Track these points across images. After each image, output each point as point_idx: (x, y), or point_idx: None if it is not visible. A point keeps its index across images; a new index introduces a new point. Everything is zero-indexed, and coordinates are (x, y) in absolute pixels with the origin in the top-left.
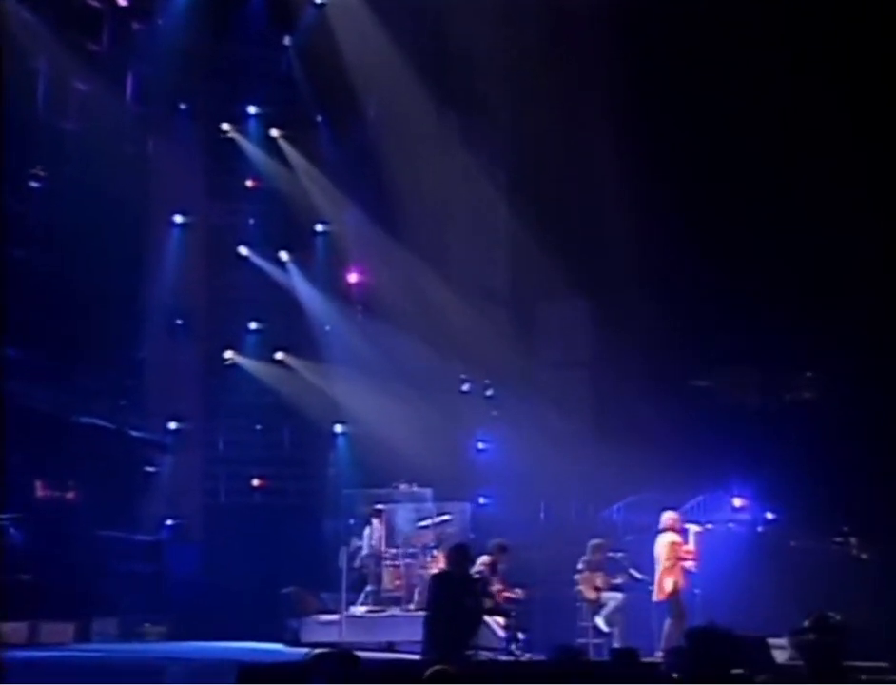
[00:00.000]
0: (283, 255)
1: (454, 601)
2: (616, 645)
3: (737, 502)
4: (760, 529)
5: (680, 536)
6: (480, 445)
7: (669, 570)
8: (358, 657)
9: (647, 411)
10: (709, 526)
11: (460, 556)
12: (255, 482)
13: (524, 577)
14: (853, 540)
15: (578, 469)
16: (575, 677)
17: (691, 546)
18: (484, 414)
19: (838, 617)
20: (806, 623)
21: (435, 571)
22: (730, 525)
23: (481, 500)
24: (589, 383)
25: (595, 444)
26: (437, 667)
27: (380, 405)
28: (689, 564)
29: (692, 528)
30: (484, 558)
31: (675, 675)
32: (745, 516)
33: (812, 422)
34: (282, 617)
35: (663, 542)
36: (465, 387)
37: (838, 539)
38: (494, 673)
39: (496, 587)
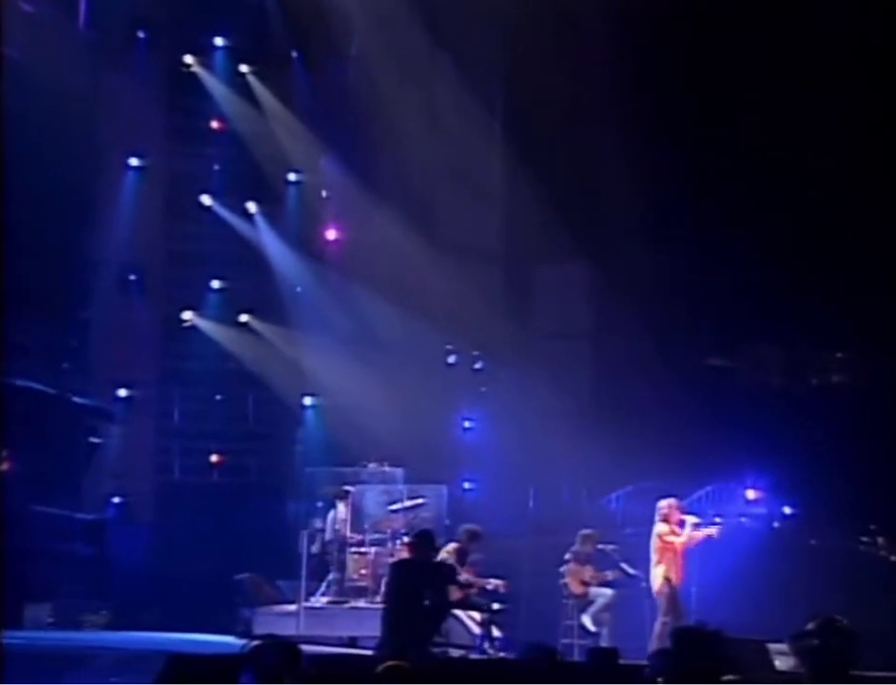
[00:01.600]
0: (251, 206)
1: (413, 593)
2: (604, 645)
3: (751, 495)
4: (776, 525)
5: (674, 526)
6: (466, 424)
7: (657, 564)
8: (300, 650)
9: (653, 390)
10: (717, 520)
11: (422, 543)
12: (213, 459)
13: (508, 569)
14: (881, 541)
15: (574, 453)
16: (546, 678)
17: (682, 537)
18: (472, 389)
19: (845, 621)
20: (810, 626)
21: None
22: (743, 520)
23: (466, 485)
24: (589, 357)
25: (594, 425)
26: (391, 663)
27: (355, 377)
28: (677, 548)
29: (690, 520)
30: (451, 546)
31: (659, 680)
32: (759, 510)
33: (841, 409)
34: (234, 607)
35: (654, 533)
36: (451, 359)
37: (864, 539)
38: (454, 671)
39: (464, 577)
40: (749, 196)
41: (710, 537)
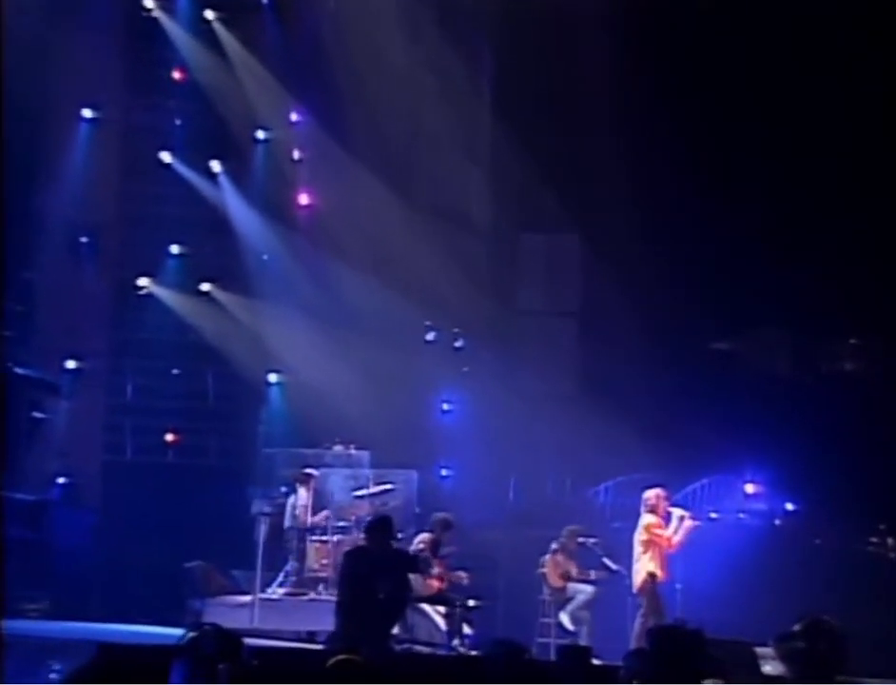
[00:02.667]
0: (215, 165)
1: (368, 583)
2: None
3: (750, 489)
4: (777, 522)
5: (660, 518)
6: (445, 406)
7: (641, 558)
8: (241, 641)
9: (646, 375)
10: (713, 515)
11: (379, 529)
12: (168, 438)
13: (485, 563)
14: (891, 542)
15: (560, 440)
16: (512, 677)
17: (668, 532)
18: (451, 369)
19: (833, 622)
20: (796, 627)
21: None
22: (741, 516)
23: (443, 472)
24: (578, 337)
25: (582, 411)
26: (342, 657)
27: (325, 354)
28: (662, 542)
29: (677, 512)
30: (423, 536)
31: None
32: (759, 505)
33: (851, 399)
34: (183, 598)
35: (639, 526)
36: (430, 336)
37: (873, 540)
38: (412, 667)
39: (437, 570)
40: (757, 165)
41: (696, 527)
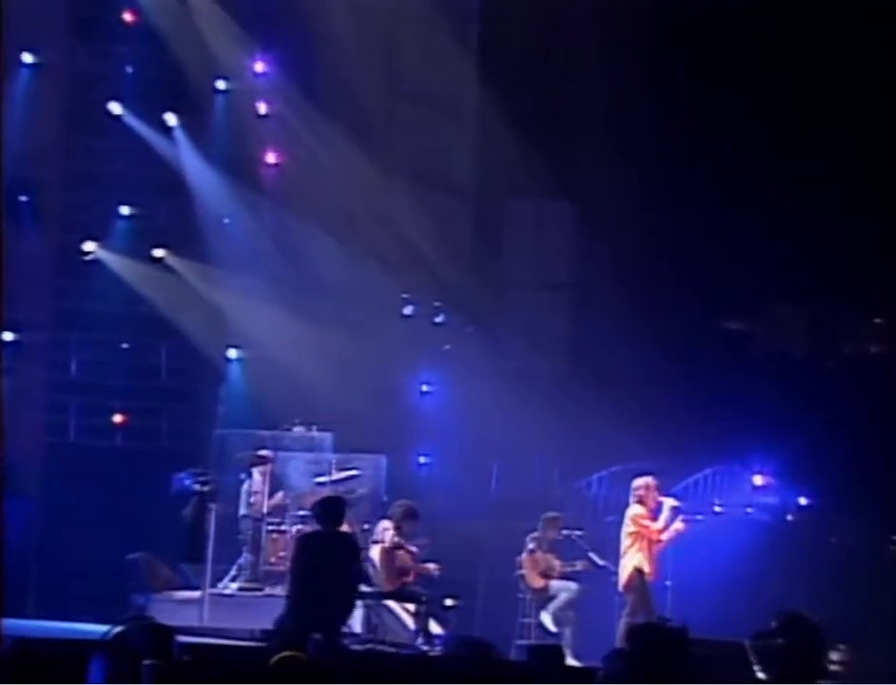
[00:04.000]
0: (170, 118)
1: (315, 573)
2: (566, 649)
3: (758, 481)
4: (790, 518)
5: (649, 509)
6: (424, 387)
7: (628, 552)
8: (172, 636)
9: (647, 354)
10: (718, 509)
11: (329, 511)
12: (117, 418)
13: (464, 558)
14: None
15: (549, 424)
16: (476, 678)
17: (658, 524)
18: (431, 346)
19: (813, 619)
20: (773, 624)
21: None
22: (748, 510)
23: (421, 460)
24: (570, 312)
25: (574, 394)
26: (286, 653)
27: (290, 328)
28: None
29: (668, 502)
30: (385, 524)
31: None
32: (769, 499)
33: (874, 384)
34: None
35: (626, 517)
36: (408, 310)
37: (895, 538)
38: (365, 665)
39: (399, 563)
40: (774, 120)
41: (687, 520)
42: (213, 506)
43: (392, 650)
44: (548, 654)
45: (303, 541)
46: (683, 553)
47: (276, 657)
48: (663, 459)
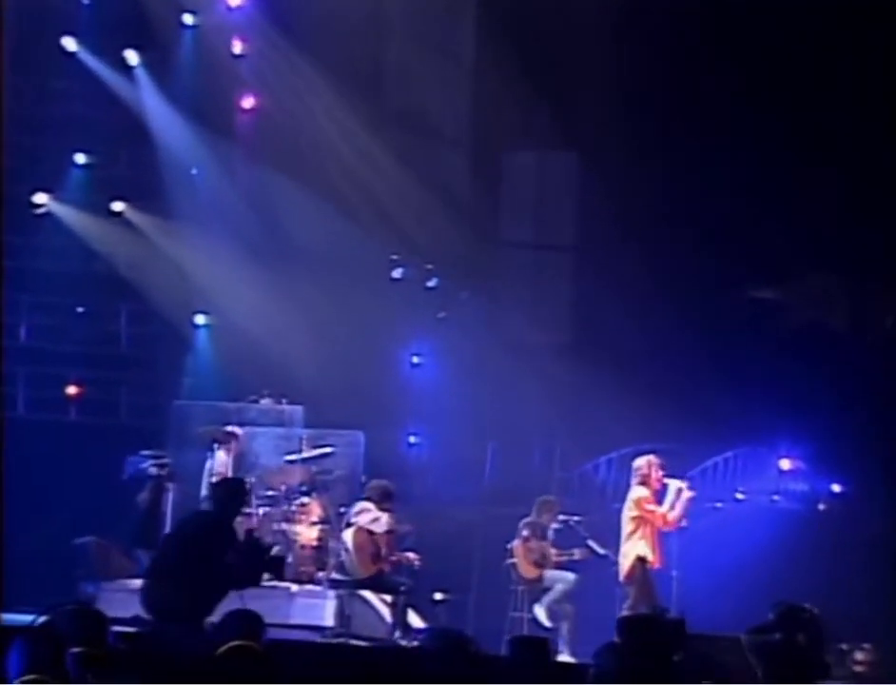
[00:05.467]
0: (131, 56)
1: (183, 554)
2: (563, 646)
3: (786, 465)
4: (821, 507)
5: (651, 491)
6: (415, 359)
7: (630, 538)
8: (104, 624)
9: (660, 323)
10: (740, 495)
11: (226, 493)
12: (70, 390)
13: (455, 547)
14: None
15: (551, 400)
16: (448, 673)
17: (664, 507)
18: (422, 313)
19: (815, 612)
20: (770, 617)
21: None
22: (775, 498)
23: (411, 439)
24: (574, 276)
25: (580, 366)
26: (236, 643)
27: (265, 292)
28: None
29: (674, 484)
30: (366, 505)
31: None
32: (798, 485)
33: None
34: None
35: (628, 500)
36: (397, 273)
37: None
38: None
39: (375, 548)
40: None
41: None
42: (170, 486)
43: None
44: (533, 647)
45: (180, 522)
46: (697, 542)
47: (224, 647)
48: (678, 440)
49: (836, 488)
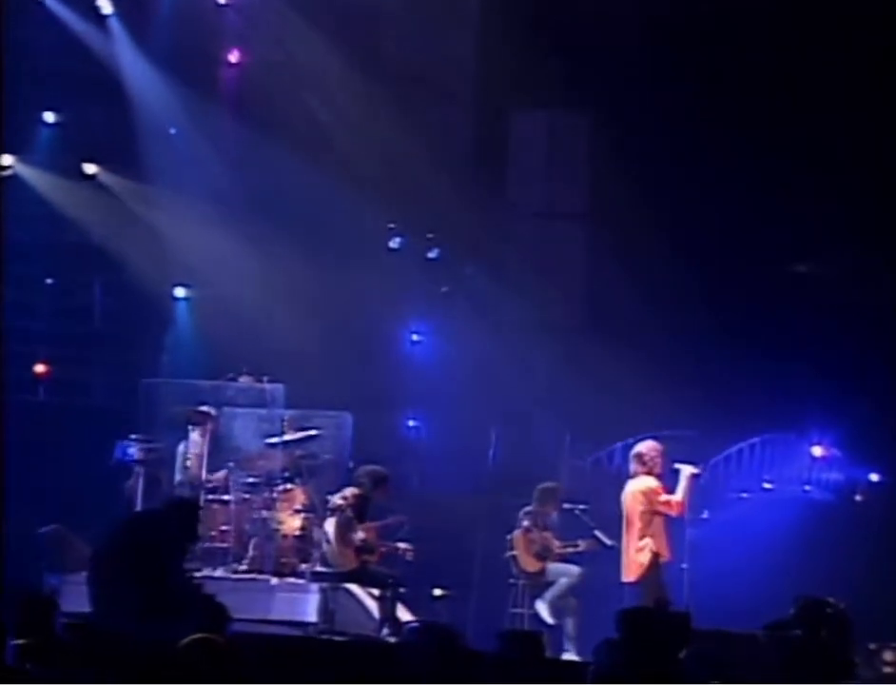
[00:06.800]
0: (104, 4)
1: (123, 553)
2: (568, 644)
3: (818, 452)
4: (858, 498)
5: (659, 480)
6: (415, 337)
7: (644, 535)
8: (53, 614)
9: (681, 300)
10: (767, 485)
11: (175, 514)
12: (39, 369)
13: (455, 539)
14: None
15: (561, 383)
16: (432, 669)
17: (677, 496)
18: (423, 287)
19: (840, 607)
20: (791, 613)
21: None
22: (806, 488)
23: (410, 423)
24: (586, 246)
25: (593, 345)
26: (198, 636)
27: (251, 263)
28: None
29: (687, 470)
30: (348, 491)
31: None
32: (832, 475)
33: None
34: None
35: (631, 491)
36: (394, 243)
37: None
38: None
39: (360, 535)
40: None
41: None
42: (140, 470)
43: (341, 638)
44: (526, 642)
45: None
46: (720, 535)
47: (186, 640)
48: (701, 425)
49: (874, 477)
